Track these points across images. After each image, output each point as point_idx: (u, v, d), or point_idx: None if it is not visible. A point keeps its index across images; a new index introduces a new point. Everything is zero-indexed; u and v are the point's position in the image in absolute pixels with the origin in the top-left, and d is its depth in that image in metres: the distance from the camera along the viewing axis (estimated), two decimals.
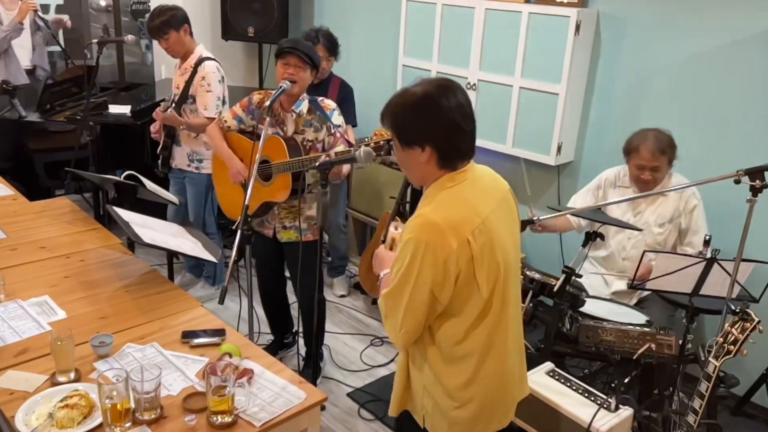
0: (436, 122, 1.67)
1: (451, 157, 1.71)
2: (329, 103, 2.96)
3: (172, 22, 3.48)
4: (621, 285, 3.12)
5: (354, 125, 3.99)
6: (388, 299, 1.75)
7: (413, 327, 1.72)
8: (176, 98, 3.58)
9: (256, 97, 3.01)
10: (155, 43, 5.05)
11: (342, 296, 4.24)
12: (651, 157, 2.93)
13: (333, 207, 4.20)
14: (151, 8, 5.27)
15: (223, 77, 3.61)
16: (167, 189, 3.74)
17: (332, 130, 2.91)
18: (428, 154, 1.69)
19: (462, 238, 1.64)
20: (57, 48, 5.47)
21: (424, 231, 1.64)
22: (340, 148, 2.88)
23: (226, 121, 3.07)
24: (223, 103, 3.63)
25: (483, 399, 1.80)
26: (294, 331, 3.55)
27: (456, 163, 1.72)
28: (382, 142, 2.39)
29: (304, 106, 2.92)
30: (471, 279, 1.67)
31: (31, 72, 4.89)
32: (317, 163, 2.47)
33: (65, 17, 5.06)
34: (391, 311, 1.75)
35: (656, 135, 2.96)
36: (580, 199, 3.28)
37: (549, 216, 2.86)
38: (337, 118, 2.94)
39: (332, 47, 3.89)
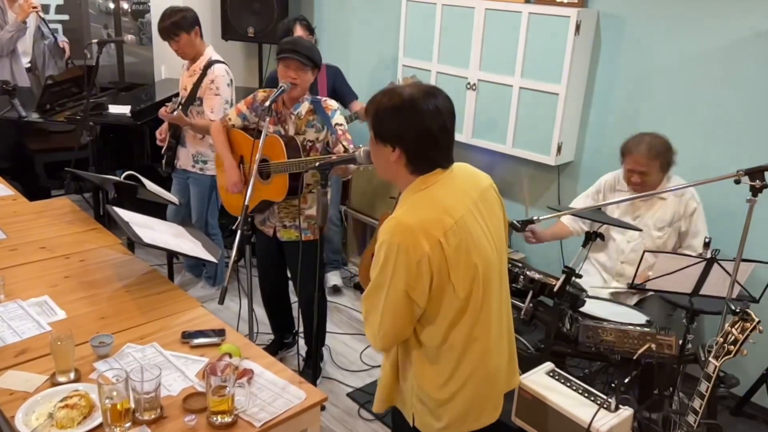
0: (411, 128, 1.68)
1: (420, 164, 1.72)
2: (331, 104, 2.96)
3: (183, 24, 3.47)
4: (620, 286, 3.12)
5: (356, 98, 4.02)
6: (366, 301, 1.78)
7: (392, 330, 1.74)
8: (183, 100, 3.57)
9: (260, 95, 3.02)
10: (155, 42, 5.08)
11: (334, 286, 4.23)
12: (641, 161, 2.95)
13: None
14: (151, 9, 5.29)
15: (231, 80, 3.62)
16: (169, 189, 3.75)
17: (332, 129, 2.91)
18: (397, 155, 1.71)
19: (434, 239, 1.65)
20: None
21: (396, 233, 1.65)
22: (342, 147, 2.89)
23: (230, 119, 3.08)
24: (231, 105, 3.64)
25: (470, 396, 1.82)
26: (294, 331, 3.55)
27: (425, 170, 1.73)
28: None
29: (303, 107, 2.92)
30: (446, 280, 1.69)
31: (28, 71, 4.89)
32: (317, 164, 2.47)
33: (66, 45, 5.07)
34: (369, 314, 1.78)
35: (650, 140, 2.97)
36: (580, 204, 3.29)
37: (549, 216, 2.86)
38: (338, 118, 2.94)
39: (310, 27, 3.90)
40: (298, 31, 3.83)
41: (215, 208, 3.90)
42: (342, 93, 3.99)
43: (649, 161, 2.94)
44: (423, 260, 1.64)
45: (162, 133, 3.79)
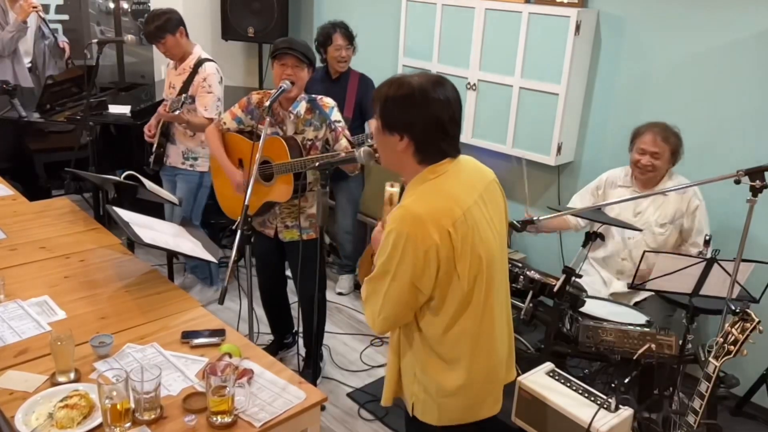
0: (420, 117, 1.69)
1: (428, 153, 1.73)
2: (328, 101, 2.96)
3: (168, 26, 3.47)
4: (620, 285, 3.12)
5: None
6: (368, 285, 1.78)
7: (393, 314, 1.75)
8: (187, 99, 3.53)
9: (254, 97, 3.01)
10: None
11: (340, 293, 4.23)
12: (654, 142, 2.98)
13: (340, 210, 4.21)
14: (151, 9, 5.28)
15: (221, 78, 3.62)
16: (160, 187, 3.74)
17: (333, 126, 2.90)
18: (405, 144, 1.71)
19: (443, 229, 1.66)
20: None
21: (405, 223, 1.66)
22: (344, 142, 2.89)
23: (225, 123, 3.06)
24: (222, 103, 3.63)
25: (471, 387, 1.83)
26: (294, 331, 3.54)
27: (434, 160, 1.74)
28: None
29: (301, 107, 2.92)
30: (452, 270, 1.70)
31: (30, 71, 4.89)
32: (317, 164, 2.47)
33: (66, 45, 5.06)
34: (370, 296, 1.78)
35: (664, 125, 3.01)
36: (579, 200, 3.29)
37: (549, 216, 2.86)
38: (336, 115, 2.94)
39: (350, 36, 3.91)
40: (338, 40, 3.84)
41: (200, 209, 3.88)
42: (367, 107, 3.94)
43: (661, 143, 2.97)
44: (431, 250, 1.65)
45: (151, 129, 3.77)
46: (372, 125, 3.92)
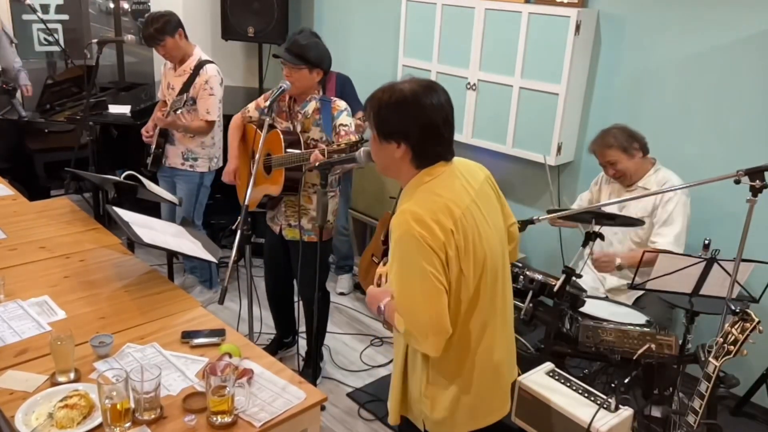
0: (415, 122, 1.69)
1: (425, 158, 1.73)
2: (339, 104, 2.96)
3: (167, 28, 3.47)
4: (614, 281, 3.14)
5: (363, 111, 3.99)
6: (401, 305, 1.69)
7: (437, 323, 1.67)
8: (183, 103, 3.53)
9: None
10: None
11: (341, 293, 4.24)
12: (602, 155, 3.09)
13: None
14: (151, 9, 5.29)
15: (222, 79, 3.62)
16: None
17: (337, 129, 2.91)
18: (402, 151, 1.72)
19: (446, 229, 1.66)
20: (57, 48, 5.47)
21: (412, 225, 1.66)
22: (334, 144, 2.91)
23: (248, 112, 3.16)
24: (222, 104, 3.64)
25: (479, 390, 1.82)
26: (295, 330, 3.54)
27: (430, 164, 1.74)
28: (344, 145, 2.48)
29: (310, 106, 2.94)
30: (458, 270, 1.69)
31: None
32: (317, 164, 2.47)
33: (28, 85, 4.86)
34: (410, 321, 1.68)
35: (605, 132, 3.10)
36: (584, 196, 3.36)
37: (548, 216, 2.86)
38: (343, 119, 2.93)
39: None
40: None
41: (202, 209, 3.88)
42: (349, 102, 3.96)
43: (609, 151, 3.05)
44: (440, 250, 1.65)
45: (149, 131, 3.77)
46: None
